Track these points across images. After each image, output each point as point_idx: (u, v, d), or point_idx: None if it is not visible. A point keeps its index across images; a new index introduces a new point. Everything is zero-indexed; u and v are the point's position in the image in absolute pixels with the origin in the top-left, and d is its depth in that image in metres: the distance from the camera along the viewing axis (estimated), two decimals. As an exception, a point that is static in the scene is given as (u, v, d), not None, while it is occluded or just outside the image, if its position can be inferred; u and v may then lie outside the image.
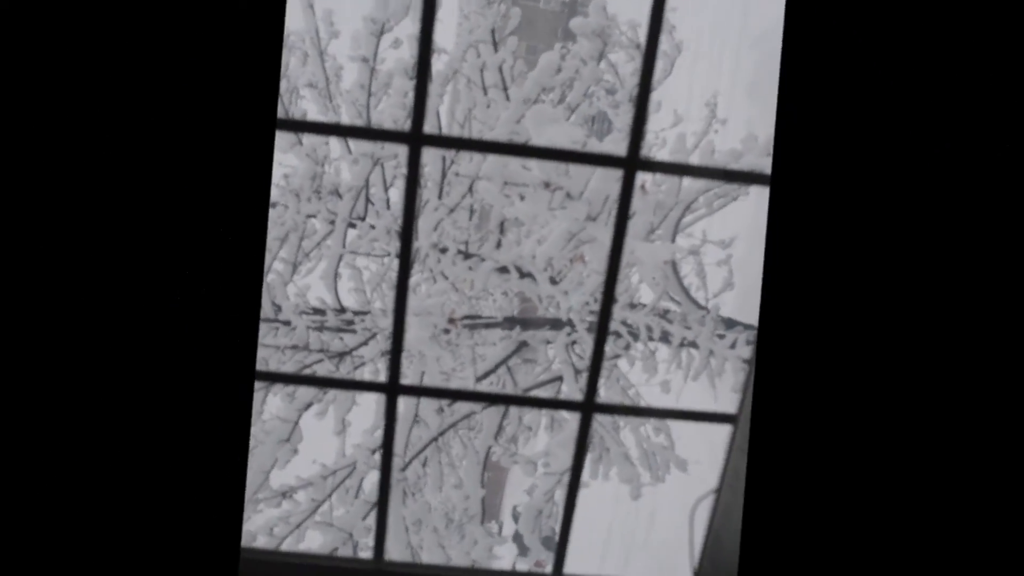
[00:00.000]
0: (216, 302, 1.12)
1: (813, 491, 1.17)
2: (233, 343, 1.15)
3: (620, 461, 2.67)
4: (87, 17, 0.99)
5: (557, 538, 2.56)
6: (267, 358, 2.74)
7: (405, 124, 2.59)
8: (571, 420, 2.69)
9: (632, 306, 2.71)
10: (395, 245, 2.68)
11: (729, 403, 2.47)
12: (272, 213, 2.66)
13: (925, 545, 1.13)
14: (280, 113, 2.56)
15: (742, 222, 2.59)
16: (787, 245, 1.15)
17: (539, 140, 2.61)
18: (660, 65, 2.58)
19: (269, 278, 2.71)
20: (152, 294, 1.06)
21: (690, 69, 2.58)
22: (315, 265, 2.73)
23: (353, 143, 2.63)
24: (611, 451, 2.68)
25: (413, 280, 2.72)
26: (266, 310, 2.75)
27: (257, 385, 2.67)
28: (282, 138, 2.61)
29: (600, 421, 2.69)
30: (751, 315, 2.54)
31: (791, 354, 1.16)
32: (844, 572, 1.15)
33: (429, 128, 2.62)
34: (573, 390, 2.71)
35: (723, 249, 2.66)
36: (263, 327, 2.78)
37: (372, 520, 2.71)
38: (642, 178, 2.64)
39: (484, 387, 2.71)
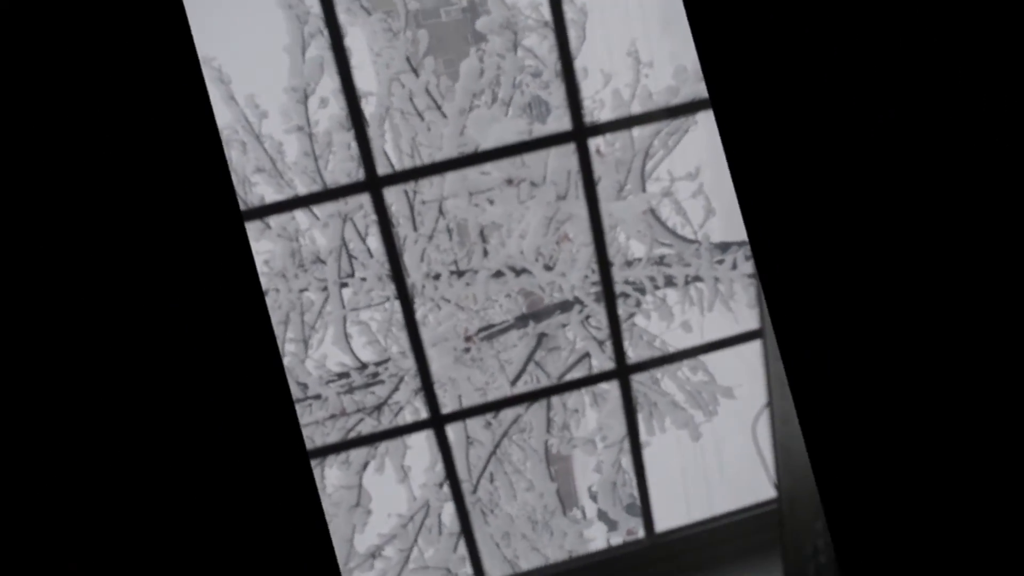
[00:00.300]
0: (246, 402, 1.12)
1: (857, 374, 1.18)
2: (275, 435, 1.16)
3: (670, 410, 2.68)
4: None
5: (639, 502, 2.58)
6: (311, 435, 2.76)
7: (359, 174, 2.60)
8: (611, 389, 2.70)
9: (628, 264, 2.72)
10: (391, 288, 2.69)
11: (750, 319, 2.48)
12: (267, 300, 2.67)
13: (976, 399, 1.14)
14: (239, 205, 2.57)
15: (701, 149, 2.60)
16: (748, 156, 1.16)
17: (487, 143, 2.62)
18: (573, 34, 2.59)
19: (286, 361, 2.72)
20: (181, 410, 1.07)
21: (602, 27, 2.59)
22: (324, 334, 2.75)
23: (317, 209, 2.64)
24: (658, 404, 2.69)
25: (419, 314, 2.73)
26: (294, 391, 2.76)
27: (311, 463, 2.68)
28: (250, 228, 2.62)
29: (638, 380, 2.70)
30: (740, 232, 2.55)
31: (790, 254, 1.17)
32: (910, 444, 1.17)
33: (382, 169, 2.63)
34: (603, 361, 2.72)
35: (693, 180, 2.67)
36: (297, 408, 2.79)
37: (463, 548, 2.72)
38: (594, 143, 2.65)
39: (521, 388, 2.72)
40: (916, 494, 1.20)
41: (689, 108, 2.29)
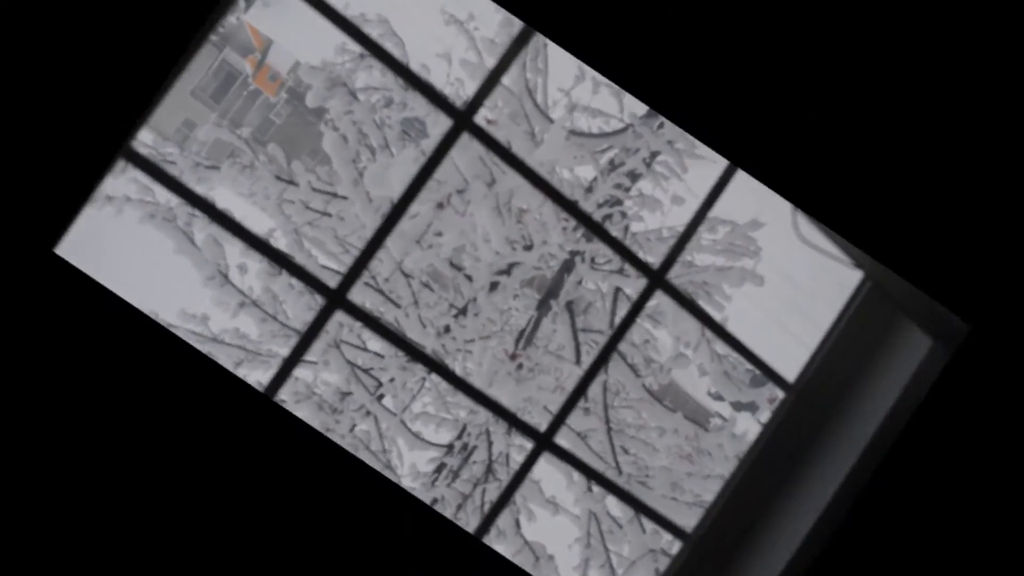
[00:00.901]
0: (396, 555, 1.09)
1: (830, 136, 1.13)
2: (438, 549, 1.14)
3: (720, 277, 2.63)
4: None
5: (758, 372, 2.53)
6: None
7: (317, 301, 2.55)
8: (660, 300, 2.65)
9: (589, 190, 2.67)
10: (419, 368, 2.65)
11: (719, 159, 2.43)
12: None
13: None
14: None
15: (565, 58, 2.55)
16: (602, 32, 1.11)
17: (396, 190, 2.57)
18: (390, 45, 2.54)
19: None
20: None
21: (408, 19, 2.54)
22: (397, 447, 2.71)
23: (308, 356, 2.59)
24: (706, 280, 2.64)
25: (460, 371, 2.69)
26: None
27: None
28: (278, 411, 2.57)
29: (674, 275, 2.65)
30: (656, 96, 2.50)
31: (702, 79, 1.12)
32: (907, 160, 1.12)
33: (333, 282, 2.58)
34: (634, 283, 2.67)
35: (583, 81, 2.63)
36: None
37: (649, 524, 2.69)
38: (480, 118, 2.59)
39: (588, 360, 2.67)
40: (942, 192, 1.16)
41: (523, 36, 2.22)
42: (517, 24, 2.47)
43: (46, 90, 1.00)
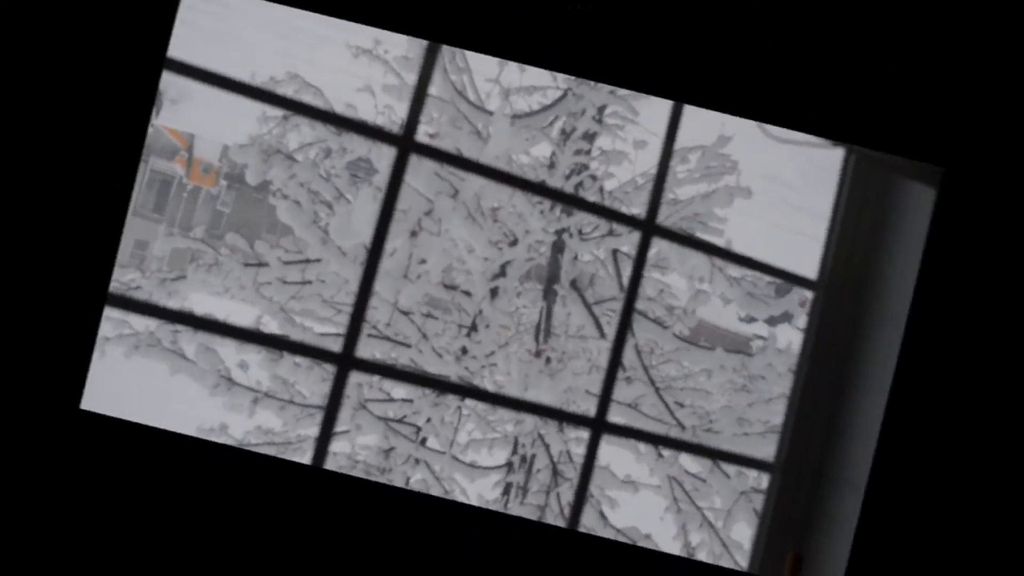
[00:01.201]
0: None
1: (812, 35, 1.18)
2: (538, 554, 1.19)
3: (708, 203, 2.66)
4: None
5: (779, 281, 2.56)
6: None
7: (329, 371, 2.59)
8: (659, 246, 2.69)
9: (551, 167, 2.70)
10: (451, 399, 2.67)
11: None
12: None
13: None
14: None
15: (483, 59, 2.59)
16: (515, 27, 1.17)
17: (366, 235, 2.60)
18: (310, 98, 2.58)
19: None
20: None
21: (318, 67, 2.57)
22: (459, 484, 2.73)
23: (338, 427, 2.62)
24: (696, 212, 2.67)
25: (492, 387, 2.71)
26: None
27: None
28: (332, 479, 2.61)
29: (663, 218, 2.68)
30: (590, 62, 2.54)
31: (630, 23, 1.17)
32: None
33: (336, 345, 2.61)
34: (628, 240, 2.70)
35: (507, 64, 2.66)
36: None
37: (730, 468, 2.72)
38: (422, 136, 2.63)
39: (612, 331, 2.70)
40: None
41: (439, 36, 2.26)
42: (420, 49, 2.52)
43: (18, 256, 1.05)
